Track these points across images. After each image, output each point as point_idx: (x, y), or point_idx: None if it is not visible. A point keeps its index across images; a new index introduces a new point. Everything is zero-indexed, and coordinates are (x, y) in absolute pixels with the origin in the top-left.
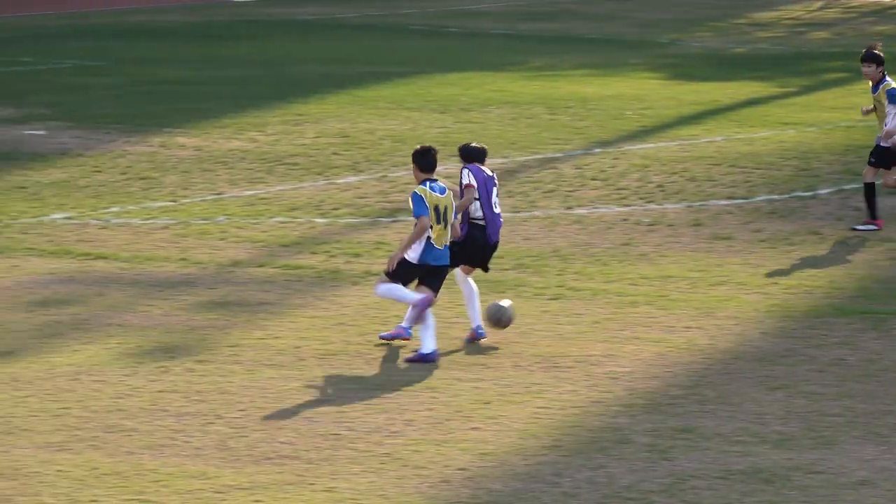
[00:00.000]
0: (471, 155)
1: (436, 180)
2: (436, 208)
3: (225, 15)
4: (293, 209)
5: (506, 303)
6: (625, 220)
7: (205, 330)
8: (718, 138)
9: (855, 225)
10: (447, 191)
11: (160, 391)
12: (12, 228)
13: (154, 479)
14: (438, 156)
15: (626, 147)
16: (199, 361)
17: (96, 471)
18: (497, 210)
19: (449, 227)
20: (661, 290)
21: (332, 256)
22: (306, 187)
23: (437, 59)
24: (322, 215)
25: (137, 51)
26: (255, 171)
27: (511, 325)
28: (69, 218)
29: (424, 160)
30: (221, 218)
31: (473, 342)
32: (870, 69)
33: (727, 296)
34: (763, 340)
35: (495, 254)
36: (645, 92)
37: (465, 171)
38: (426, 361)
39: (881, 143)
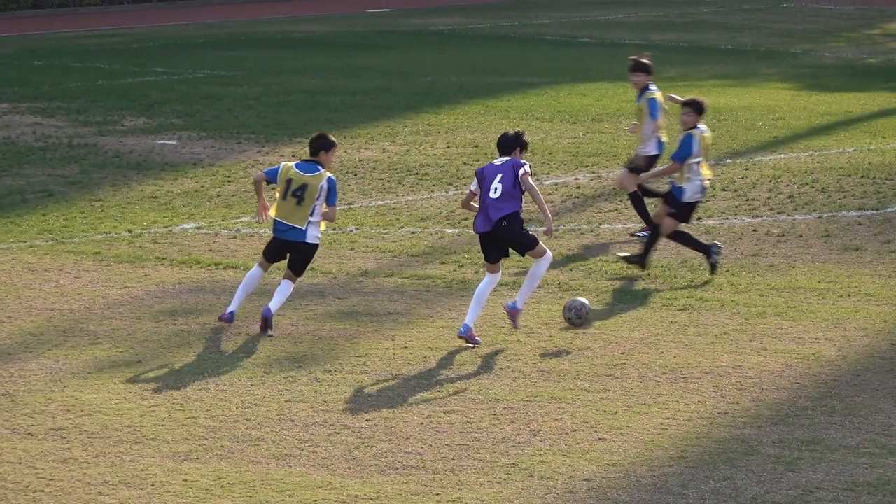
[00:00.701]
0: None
1: None
2: None
3: (360, 25)
4: (423, 219)
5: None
6: (755, 230)
7: (333, 340)
8: (850, 149)
9: (636, 232)
10: None
11: (287, 401)
12: (143, 238)
13: (280, 489)
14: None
15: (758, 157)
16: (327, 371)
17: (222, 480)
18: (493, 195)
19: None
20: (789, 301)
21: (460, 266)
22: (436, 197)
23: (569, 69)
24: (451, 225)
25: (272, 61)
26: (385, 181)
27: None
28: (199, 228)
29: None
30: (351, 228)
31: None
32: (639, 78)
33: (856, 307)
34: (892, 352)
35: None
36: (777, 102)
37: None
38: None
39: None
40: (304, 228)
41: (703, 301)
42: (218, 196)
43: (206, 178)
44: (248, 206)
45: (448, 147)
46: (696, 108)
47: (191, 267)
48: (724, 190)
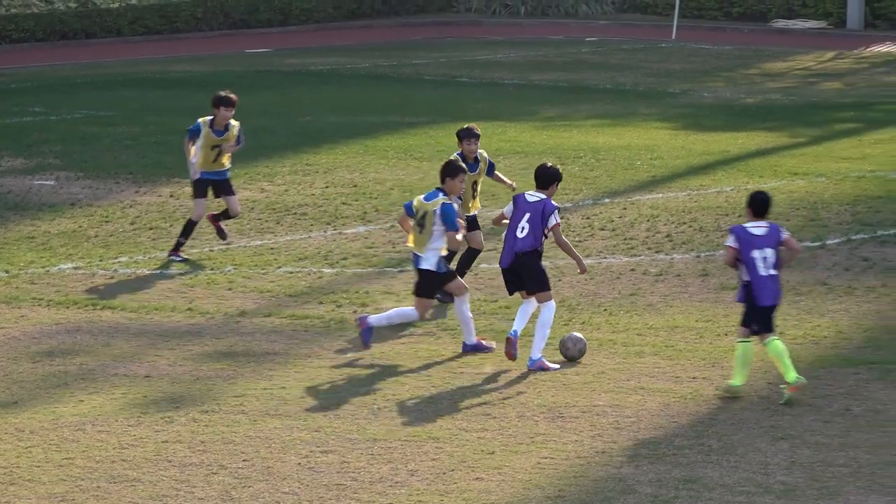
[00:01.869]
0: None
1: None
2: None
3: (239, 65)
4: (301, 259)
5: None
6: (632, 270)
7: (211, 380)
8: (727, 188)
9: (173, 256)
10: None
11: (164, 441)
12: (20, 278)
13: None
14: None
15: (636, 197)
16: (204, 411)
17: None
18: (520, 234)
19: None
20: (667, 341)
21: (338, 306)
22: (315, 237)
23: (448, 108)
24: (330, 265)
25: (150, 101)
26: (263, 220)
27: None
28: (77, 268)
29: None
30: (229, 268)
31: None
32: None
33: (733, 346)
34: (769, 390)
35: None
36: (655, 142)
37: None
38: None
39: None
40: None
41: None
42: (96, 236)
43: (83, 218)
44: (125, 247)
45: (327, 187)
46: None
47: (68, 307)
48: (603, 229)
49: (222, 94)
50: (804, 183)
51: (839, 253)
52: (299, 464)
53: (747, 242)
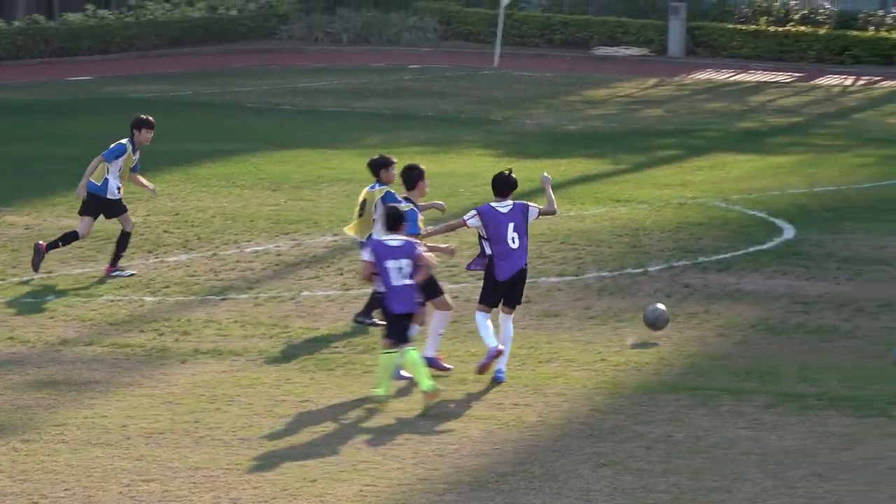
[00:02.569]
0: (494, 188)
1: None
2: None
3: (60, 93)
4: (123, 287)
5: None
6: (456, 297)
7: (31, 409)
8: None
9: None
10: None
11: None
12: None
13: None
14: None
15: None
16: (25, 440)
17: None
18: (513, 245)
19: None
20: (491, 367)
21: (160, 335)
22: (136, 265)
23: (270, 136)
24: (152, 293)
25: None
26: (85, 249)
27: None
28: None
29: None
30: (51, 296)
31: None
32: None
33: (556, 373)
34: (591, 417)
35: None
36: (478, 169)
37: (469, 215)
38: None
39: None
40: None
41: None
42: None
43: None
44: None
45: (148, 215)
46: None
47: None
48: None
49: (143, 116)
50: (626, 210)
51: (661, 280)
52: (121, 492)
53: (381, 255)
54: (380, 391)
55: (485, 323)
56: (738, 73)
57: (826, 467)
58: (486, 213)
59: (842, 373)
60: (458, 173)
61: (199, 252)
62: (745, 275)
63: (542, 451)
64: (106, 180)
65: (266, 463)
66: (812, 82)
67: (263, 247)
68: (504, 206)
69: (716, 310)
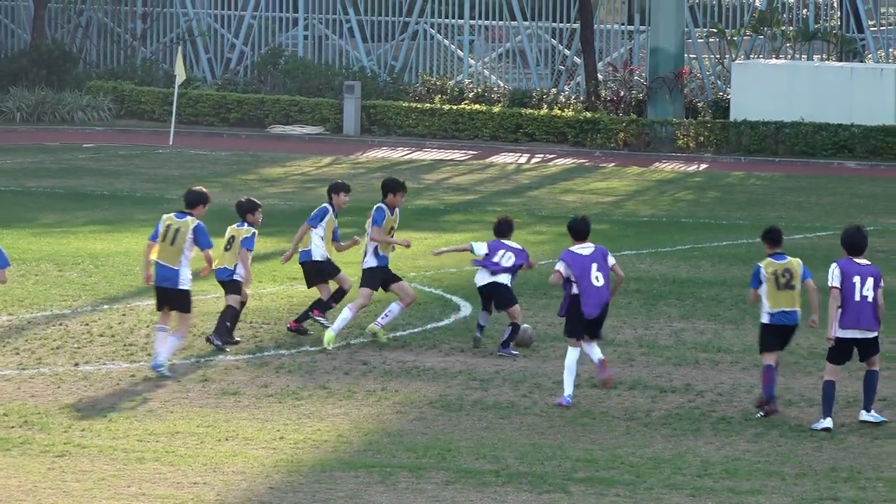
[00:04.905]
0: (572, 234)
1: None
2: None
3: None
4: None
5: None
6: (132, 375)
7: None
8: (213, 295)
9: None
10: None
11: None
12: None
13: None
14: None
15: (135, 303)
16: None
17: None
18: (598, 284)
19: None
20: (168, 446)
21: None
22: None
23: None
24: None
25: None
26: None
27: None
28: None
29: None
30: None
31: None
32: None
33: (234, 451)
34: (270, 495)
35: None
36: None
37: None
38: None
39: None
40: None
41: (81, 447)
42: None
43: None
44: None
45: None
46: None
47: None
48: (102, 335)
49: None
50: (304, 288)
51: (339, 357)
52: None
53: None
54: None
55: (573, 366)
56: (414, 151)
57: None
58: (569, 258)
59: (519, 448)
60: (134, 252)
61: None
62: (423, 352)
63: None
64: None
65: None
66: (487, 160)
67: None
68: (585, 249)
69: (393, 387)
